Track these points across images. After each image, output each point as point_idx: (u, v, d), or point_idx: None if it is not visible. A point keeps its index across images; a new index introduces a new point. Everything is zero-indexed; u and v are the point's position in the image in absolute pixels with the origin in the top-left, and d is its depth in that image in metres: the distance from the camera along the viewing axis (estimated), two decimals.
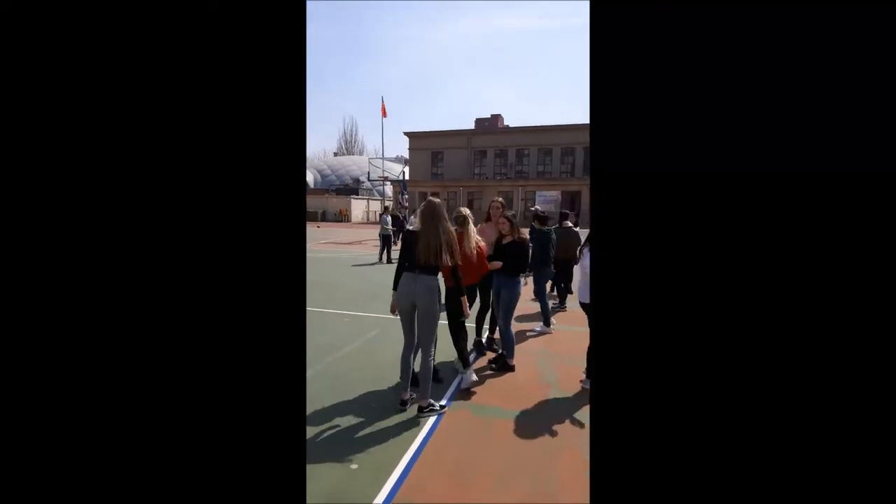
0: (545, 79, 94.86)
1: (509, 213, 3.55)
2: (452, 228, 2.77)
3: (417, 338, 2.83)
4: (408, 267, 2.74)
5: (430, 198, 2.88)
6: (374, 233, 20.33)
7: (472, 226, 3.25)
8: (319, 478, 2.12)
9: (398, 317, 2.84)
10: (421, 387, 2.79)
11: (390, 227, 10.67)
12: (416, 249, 2.68)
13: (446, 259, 2.69)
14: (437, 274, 2.74)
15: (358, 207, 35.24)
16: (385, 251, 10.38)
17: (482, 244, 3.40)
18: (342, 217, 33.14)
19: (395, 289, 2.80)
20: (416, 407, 2.79)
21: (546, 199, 26.49)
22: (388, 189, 37.82)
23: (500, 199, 3.84)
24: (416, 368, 2.95)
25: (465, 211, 3.30)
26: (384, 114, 25.63)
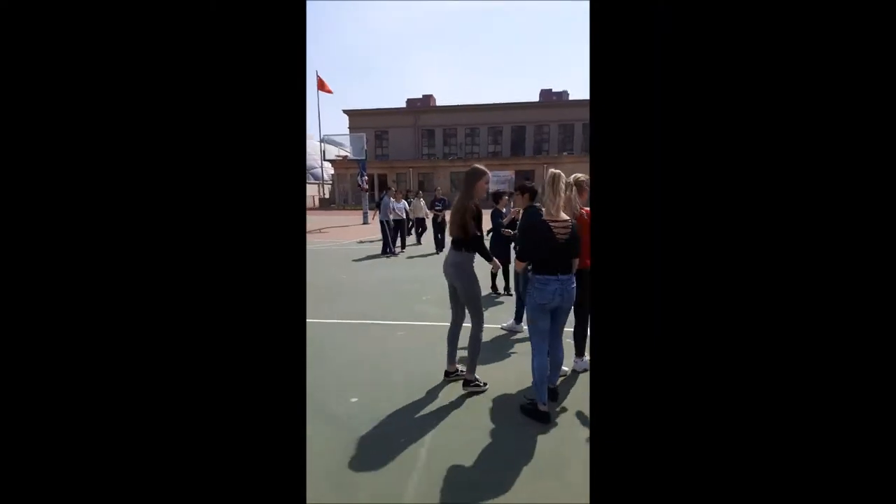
0: (480, 58, 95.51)
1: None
2: (471, 203, 2.64)
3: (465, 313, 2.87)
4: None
5: (476, 164, 2.81)
6: (327, 219, 19.30)
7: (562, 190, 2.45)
8: None
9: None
10: (468, 360, 2.81)
11: (404, 209, 9.72)
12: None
13: (471, 229, 2.63)
14: (461, 248, 2.70)
15: None
16: (398, 237, 9.45)
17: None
18: None
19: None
20: (461, 383, 2.85)
21: (500, 179, 26.59)
22: (328, 172, 36.24)
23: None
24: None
25: (582, 177, 2.85)
26: (324, 89, 24.15)
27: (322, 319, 4.39)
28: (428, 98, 35.31)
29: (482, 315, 2.77)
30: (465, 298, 2.74)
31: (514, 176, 27.52)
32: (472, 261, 2.70)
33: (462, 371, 2.92)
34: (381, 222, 9.27)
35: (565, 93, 33.79)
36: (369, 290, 5.78)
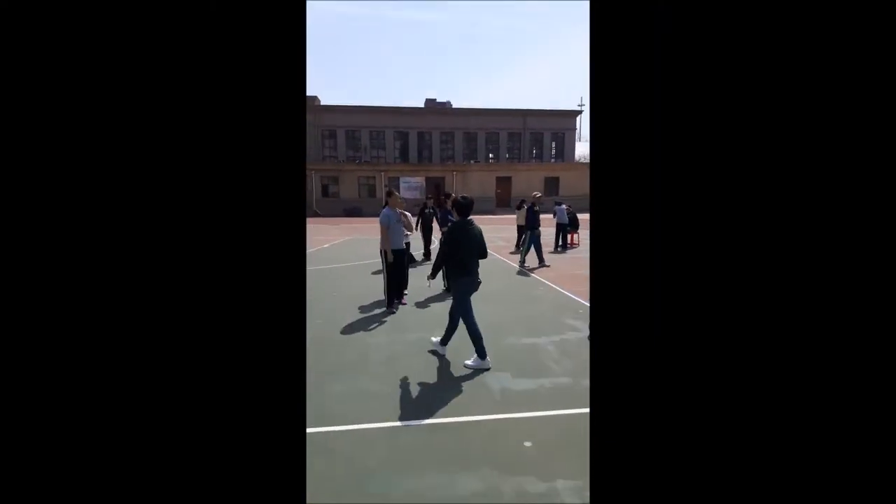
0: (360, 59, 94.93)
1: None
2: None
3: None
4: None
5: None
6: None
7: None
8: None
9: None
10: None
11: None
12: None
13: None
14: None
15: None
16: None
17: None
18: None
19: None
20: None
21: (410, 186, 26.15)
22: None
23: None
24: None
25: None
26: None
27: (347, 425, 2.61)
28: (312, 99, 33.14)
29: None
30: None
31: (424, 183, 27.27)
32: None
33: None
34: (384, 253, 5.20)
35: (448, 103, 34.37)
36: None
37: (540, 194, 8.69)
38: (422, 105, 33.98)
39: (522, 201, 9.42)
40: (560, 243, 10.30)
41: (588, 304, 5.09)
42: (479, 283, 3.49)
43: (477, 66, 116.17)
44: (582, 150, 39.88)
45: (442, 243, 3.52)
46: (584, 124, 37.37)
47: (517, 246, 10.05)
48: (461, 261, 3.38)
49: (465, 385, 3.19)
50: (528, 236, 8.15)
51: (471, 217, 3.53)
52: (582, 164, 32.67)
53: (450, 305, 3.64)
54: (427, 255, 8.94)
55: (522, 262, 8.20)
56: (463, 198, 3.58)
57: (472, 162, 31.80)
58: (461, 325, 3.59)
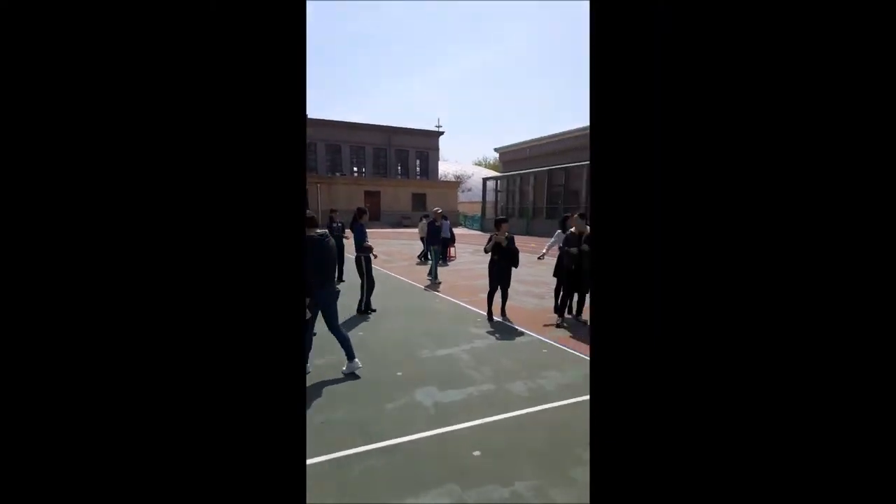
0: None
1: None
2: None
3: None
4: None
5: None
6: None
7: None
8: None
9: None
10: None
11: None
12: None
13: None
14: None
15: None
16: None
17: None
18: None
19: None
20: None
21: None
22: None
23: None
24: None
25: None
26: None
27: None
28: None
29: None
30: None
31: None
32: None
33: None
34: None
35: None
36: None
37: (441, 210, 9.30)
38: None
39: (425, 215, 10.48)
40: (441, 257, 10.72)
41: (485, 314, 5.41)
42: (339, 292, 3.84)
43: (331, 82, 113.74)
44: (443, 168, 41.99)
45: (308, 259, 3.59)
46: (444, 145, 39.22)
47: (421, 256, 10.87)
48: (324, 273, 3.64)
49: (396, 403, 3.12)
50: (432, 252, 8.72)
51: (324, 231, 3.93)
52: (445, 181, 34.43)
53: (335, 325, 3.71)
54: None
55: (434, 276, 8.49)
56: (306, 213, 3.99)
57: (337, 175, 30.94)
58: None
